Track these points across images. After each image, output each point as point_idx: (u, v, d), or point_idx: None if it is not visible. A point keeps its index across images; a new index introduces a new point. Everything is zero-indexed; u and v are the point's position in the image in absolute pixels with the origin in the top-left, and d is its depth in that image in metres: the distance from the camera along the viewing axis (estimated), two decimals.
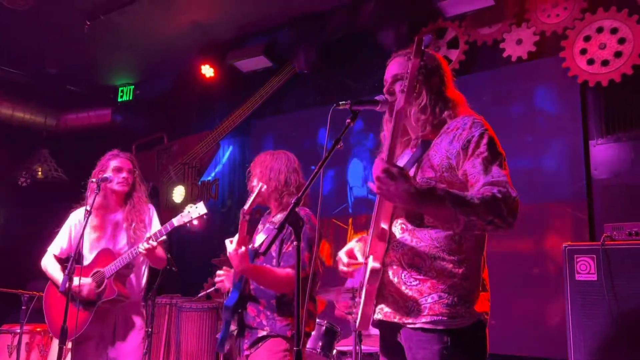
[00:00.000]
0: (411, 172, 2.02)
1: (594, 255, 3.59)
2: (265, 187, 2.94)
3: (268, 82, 6.78)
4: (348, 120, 2.13)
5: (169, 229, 3.36)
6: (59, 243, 3.75)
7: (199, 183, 7.42)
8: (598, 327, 3.45)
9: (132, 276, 3.69)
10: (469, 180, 1.91)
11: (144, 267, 3.81)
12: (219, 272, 3.07)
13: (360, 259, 2.14)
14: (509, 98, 5.26)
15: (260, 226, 3.29)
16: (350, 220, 6.17)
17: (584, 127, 4.87)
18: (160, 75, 7.57)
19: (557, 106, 5.01)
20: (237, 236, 2.82)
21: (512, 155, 5.30)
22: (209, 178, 7.53)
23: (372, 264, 1.98)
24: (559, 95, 5.02)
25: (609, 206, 4.63)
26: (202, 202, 3.29)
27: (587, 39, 4.90)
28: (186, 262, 6.82)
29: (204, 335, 5.57)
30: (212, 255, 6.85)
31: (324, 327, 4.14)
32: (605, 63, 4.79)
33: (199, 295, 5.61)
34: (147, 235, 3.45)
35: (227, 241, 2.82)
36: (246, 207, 2.88)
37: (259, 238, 3.05)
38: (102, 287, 3.52)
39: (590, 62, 4.85)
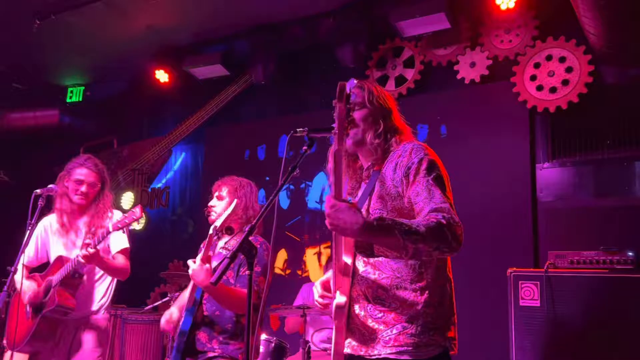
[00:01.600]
0: (364, 204, 2.07)
1: (538, 282, 3.69)
2: (237, 204, 2.92)
3: (224, 91, 6.73)
4: (305, 148, 2.14)
5: (105, 235, 3.27)
6: (27, 252, 3.62)
7: (149, 190, 7.28)
8: (540, 351, 3.54)
9: (87, 287, 3.55)
10: (415, 208, 1.97)
11: (105, 278, 3.67)
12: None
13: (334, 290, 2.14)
14: (461, 119, 5.38)
15: (202, 247, 3.25)
16: (306, 236, 6.17)
17: (532, 151, 5.02)
18: (112, 77, 7.38)
19: (507, 129, 5.15)
20: (200, 254, 2.78)
21: (460, 177, 5.41)
22: (160, 185, 7.41)
23: (337, 299, 2.00)
24: (509, 119, 5.16)
25: (553, 228, 4.78)
26: (139, 206, 3.24)
27: (537, 65, 5.07)
28: (132, 271, 6.59)
29: (149, 349, 5.43)
30: (160, 264, 6.73)
31: (273, 344, 4.11)
32: (553, 90, 4.96)
33: (147, 307, 5.46)
34: (87, 241, 3.33)
35: (190, 261, 2.79)
36: (218, 223, 2.85)
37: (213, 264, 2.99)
38: (48, 296, 3.39)
39: (540, 88, 5.02)
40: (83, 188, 3.57)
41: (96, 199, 3.65)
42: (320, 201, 6.16)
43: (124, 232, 3.60)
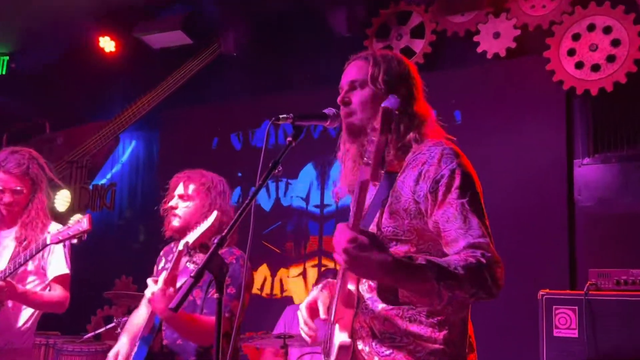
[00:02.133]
0: (374, 219, 2.03)
1: (576, 307, 3.69)
2: (217, 216, 2.88)
3: (186, 64, 6.70)
4: (289, 139, 2.13)
5: (40, 248, 3.22)
6: None
7: (90, 187, 7.24)
8: None
9: (7, 311, 3.51)
10: (444, 236, 1.92)
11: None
12: None
13: (323, 313, 2.11)
14: (481, 103, 5.39)
15: (163, 256, 3.23)
16: (289, 245, 6.15)
17: (568, 144, 5.04)
18: (44, 45, 7.27)
19: (538, 116, 5.16)
20: (164, 274, 2.75)
21: (479, 176, 5.41)
22: (104, 181, 7.36)
23: (339, 337, 1.98)
24: (541, 104, 5.17)
25: (593, 239, 4.80)
26: (87, 215, 3.19)
27: (576, 37, 5.09)
28: (70, 292, 6.56)
29: None
30: (104, 281, 6.67)
31: None
32: (595, 68, 4.98)
33: (87, 335, 5.43)
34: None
35: (150, 280, 2.76)
36: (192, 239, 2.80)
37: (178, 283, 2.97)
38: None
39: (579, 65, 5.03)
40: (6, 198, 3.51)
41: (27, 207, 3.59)
42: (307, 199, 6.14)
43: (65, 253, 3.56)
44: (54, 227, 3.58)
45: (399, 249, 1.96)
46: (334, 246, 1.73)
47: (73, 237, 3.19)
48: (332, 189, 5.87)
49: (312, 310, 2.16)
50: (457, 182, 1.93)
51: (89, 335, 5.41)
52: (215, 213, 2.84)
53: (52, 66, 7.45)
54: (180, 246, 2.80)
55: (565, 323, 3.66)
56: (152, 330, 2.85)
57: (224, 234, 1.99)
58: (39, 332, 5.84)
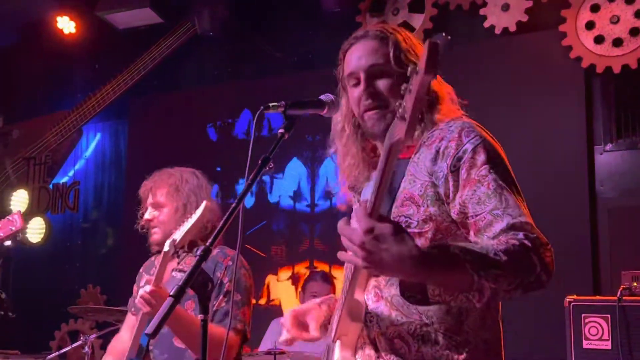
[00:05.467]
0: (384, 209, 1.90)
1: (608, 315, 3.62)
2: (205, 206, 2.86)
3: (155, 46, 6.62)
4: (281, 131, 2.05)
5: None
6: None
7: (50, 186, 7.17)
8: None
9: None
10: (474, 222, 1.82)
11: None
12: None
13: (314, 330, 2.06)
14: (488, 84, 5.29)
15: (143, 272, 3.20)
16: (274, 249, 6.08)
17: (588, 128, 4.98)
18: None
19: (553, 98, 5.08)
20: (151, 277, 2.80)
21: None
22: (65, 179, 7.28)
23: (341, 356, 1.90)
24: (557, 83, 5.10)
25: (618, 237, 4.74)
26: (17, 212, 3.16)
27: (595, 8, 5.02)
28: (29, 305, 6.57)
29: None
30: (67, 295, 6.60)
31: None
32: (617, 42, 4.91)
33: (50, 356, 5.34)
34: None
35: (143, 289, 2.73)
36: (179, 236, 2.78)
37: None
38: None
39: (599, 40, 4.97)
40: None
41: None
42: (296, 197, 6.09)
43: None
44: None
45: None
46: (346, 241, 1.60)
47: (5, 238, 3.14)
48: (328, 188, 5.92)
49: (299, 321, 2.11)
50: (483, 156, 1.86)
51: (53, 355, 5.33)
52: (204, 204, 2.82)
53: (5, 51, 7.37)
54: (166, 247, 2.78)
55: (597, 333, 3.60)
56: (139, 353, 2.78)
57: (207, 244, 1.89)
58: None
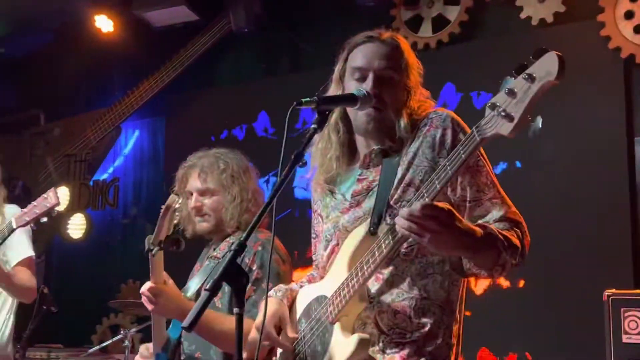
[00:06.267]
0: (389, 197, 2.14)
1: None
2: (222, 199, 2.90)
3: (191, 43, 6.65)
4: (314, 126, 2.10)
5: (7, 234, 3.25)
6: None
7: (91, 183, 7.25)
8: None
9: None
10: (471, 206, 2.10)
11: (2, 303, 3.66)
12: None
13: (291, 332, 2.24)
14: None
15: (198, 265, 3.16)
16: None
17: (628, 120, 4.90)
18: (36, 27, 7.30)
19: (592, 89, 5.02)
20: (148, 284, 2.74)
21: (526, 158, 5.33)
22: (105, 176, 7.37)
23: (344, 335, 2.04)
24: (595, 74, 5.03)
25: None
26: (53, 190, 3.23)
27: None
28: (71, 300, 6.65)
29: None
30: (108, 290, 6.69)
31: None
32: None
33: (92, 349, 5.45)
34: None
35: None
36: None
37: (193, 284, 2.95)
38: None
39: (639, 29, 4.88)
40: None
41: None
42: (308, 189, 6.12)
43: (25, 235, 3.57)
44: (11, 210, 3.60)
45: None
46: (415, 220, 1.79)
47: (41, 215, 3.21)
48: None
49: (276, 325, 2.25)
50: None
51: (95, 348, 5.44)
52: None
53: (45, 50, 7.47)
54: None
55: (636, 327, 3.55)
56: (166, 347, 2.81)
57: (242, 239, 1.91)
58: (40, 344, 5.92)
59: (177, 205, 2.68)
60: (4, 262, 3.55)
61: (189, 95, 6.97)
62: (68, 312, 5.94)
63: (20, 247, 3.57)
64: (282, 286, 2.45)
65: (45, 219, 3.25)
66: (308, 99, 2.08)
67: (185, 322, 1.82)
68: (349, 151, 2.33)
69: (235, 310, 1.93)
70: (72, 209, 7.14)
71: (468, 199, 2.09)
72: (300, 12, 6.36)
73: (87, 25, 6.74)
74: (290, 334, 2.23)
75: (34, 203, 3.23)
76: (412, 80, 2.23)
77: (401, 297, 2.09)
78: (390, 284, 2.10)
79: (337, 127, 2.31)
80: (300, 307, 2.32)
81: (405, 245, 2.06)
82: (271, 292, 2.37)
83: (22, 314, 3.86)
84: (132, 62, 7.12)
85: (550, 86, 1.69)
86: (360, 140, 2.30)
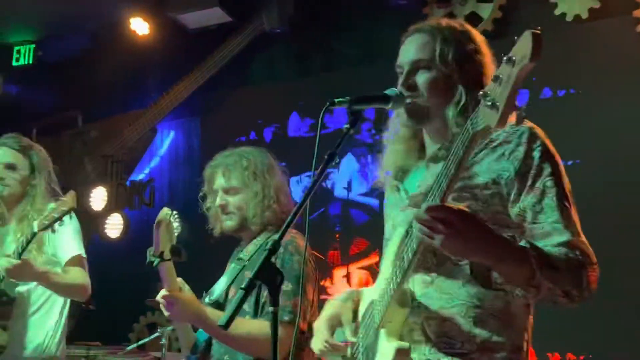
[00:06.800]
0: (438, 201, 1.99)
1: None
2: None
3: (225, 44, 6.69)
4: (347, 127, 2.07)
5: (30, 238, 3.26)
6: None
7: (128, 183, 7.32)
8: None
9: (26, 317, 3.53)
10: (532, 227, 1.91)
11: (51, 306, 3.64)
12: None
13: (351, 335, 2.11)
14: (560, 74, 5.21)
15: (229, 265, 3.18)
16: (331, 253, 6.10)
17: None
18: (72, 30, 7.37)
19: (628, 88, 4.98)
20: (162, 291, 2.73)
21: (569, 158, 5.33)
22: (142, 176, 7.44)
23: (388, 342, 1.93)
24: (631, 73, 4.98)
25: None
26: (71, 193, 3.26)
27: None
28: (109, 299, 6.67)
29: None
30: (145, 288, 6.73)
31: None
32: None
33: (130, 347, 5.50)
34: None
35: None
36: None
37: (218, 286, 2.95)
38: None
39: None
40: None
41: (27, 193, 3.62)
42: (349, 188, 6.10)
43: (70, 234, 3.56)
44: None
45: None
46: (423, 222, 1.70)
47: (59, 218, 3.23)
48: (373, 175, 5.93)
49: (332, 328, 2.17)
50: (549, 167, 1.94)
51: (133, 346, 5.48)
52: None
53: (82, 53, 7.54)
54: None
55: None
56: (195, 350, 2.82)
57: (277, 238, 1.92)
58: (79, 342, 5.99)
59: (171, 219, 2.75)
60: (55, 262, 3.56)
61: (223, 96, 7.01)
62: (106, 311, 6.02)
63: (69, 246, 3.57)
64: (348, 290, 2.35)
65: (63, 222, 3.29)
66: (341, 99, 2.06)
67: (221, 321, 1.84)
68: (419, 146, 2.22)
69: (270, 309, 1.96)
70: (109, 209, 7.19)
71: (529, 220, 1.92)
72: (332, 12, 6.37)
73: (123, 28, 6.81)
74: (350, 337, 2.14)
75: (53, 206, 3.26)
76: (458, 70, 2.05)
77: (450, 303, 1.95)
78: (438, 288, 1.97)
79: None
80: (361, 310, 2.23)
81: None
82: (335, 296, 2.32)
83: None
84: (167, 64, 7.17)
85: (529, 69, 1.53)
86: (425, 137, 2.19)
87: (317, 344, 2.16)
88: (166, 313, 2.69)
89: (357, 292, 2.28)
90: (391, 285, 1.96)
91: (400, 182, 2.21)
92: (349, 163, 6.19)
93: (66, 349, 3.79)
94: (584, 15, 5.21)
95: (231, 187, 2.97)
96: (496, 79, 1.57)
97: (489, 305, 1.94)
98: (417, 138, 2.22)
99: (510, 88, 1.54)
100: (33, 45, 7.66)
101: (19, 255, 3.23)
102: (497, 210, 1.95)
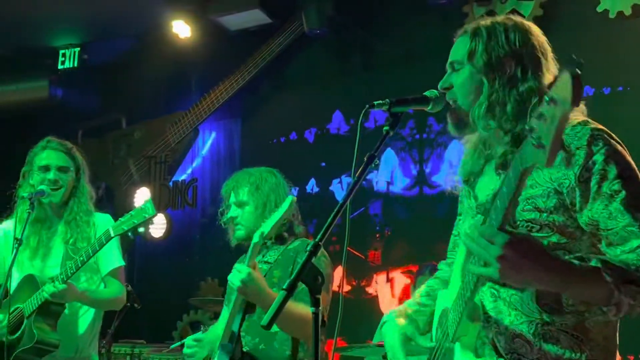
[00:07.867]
0: (504, 213, 1.85)
1: None
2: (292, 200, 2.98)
3: (265, 45, 6.71)
4: (386, 128, 2.06)
5: (102, 244, 3.30)
6: None
7: (170, 184, 7.39)
8: None
9: (75, 316, 3.59)
10: (605, 235, 1.81)
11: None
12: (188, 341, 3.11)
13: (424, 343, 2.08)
14: (603, 72, 5.13)
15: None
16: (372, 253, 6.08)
17: None
18: (116, 34, 7.49)
19: None
20: (246, 259, 2.88)
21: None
22: (184, 177, 7.49)
23: (462, 357, 1.91)
24: None
25: None
26: (150, 200, 3.31)
27: None
28: (153, 296, 6.79)
29: None
30: (188, 287, 6.80)
31: None
32: None
33: (174, 345, 5.53)
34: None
35: (238, 267, 2.87)
36: (267, 229, 2.90)
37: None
38: (20, 331, 3.43)
39: None
40: (50, 175, 3.58)
41: (73, 195, 3.66)
42: (392, 182, 6.09)
43: (116, 244, 3.61)
44: (101, 218, 3.68)
45: None
46: (477, 252, 1.65)
47: (138, 225, 3.29)
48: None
49: (408, 342, 2.17)
50: (615, 169, 1.79)
51: (177, 344, 5.51)
52: (290, 198, 2.96)
53: (126, 56, 7.65)
54: (256, 238, 2.89)
55: None
56: (231, 338, 2.87)
57: (317, 239, 1.93)
58: (124, 340, 6.08)
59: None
60: (96, 270, 3.62)
61: (263, 97, 7.03)
62: (150, 309, 6.07)
63: (111, 256, 3.62)
64: (397, 308, 2.33)
65: (142, 229, 3.34)
66: (380, 101, 2.05)
67: (264, 321, 1.86)
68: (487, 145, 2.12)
69: (311, 310, 1.96)
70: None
71: (601, 227, 1.79)
72: (372, 12, 6.34)
73: (165, 31, 6.86)
74: (425, 344, 2.14)
75: (132, 213, 3.29)
76: (487, 68, 1.97)
77: (520, 319, 1.88)
78: (507, 304, 1.90)
79: None
80: (437, 312, 2.19)
81: None
82: (386, 316, 2.32)
83: (107, 310, 3.93)
84: (208, 66, 7.21)
85: (570, 113, 1.43)
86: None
87: None
88: (240, 289, 2.80)
89: (405, 307, 2.30)
90: (462, 299, 1.92)
91: (471, 189, 2.13)
92: (388, 157, 6.19)
93: (111, 345, 3.85)
94: (627, 12, 5.11)
95: (240, 202, 3.20)
96: (540, 116, 1.50)
97: (560, 322, 1.85)
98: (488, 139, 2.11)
99: (555, 131, 1.47)
100: (78, 49, 7.77)
101: (66, 280, 3.27)
102: (563, 223, 1.85)
